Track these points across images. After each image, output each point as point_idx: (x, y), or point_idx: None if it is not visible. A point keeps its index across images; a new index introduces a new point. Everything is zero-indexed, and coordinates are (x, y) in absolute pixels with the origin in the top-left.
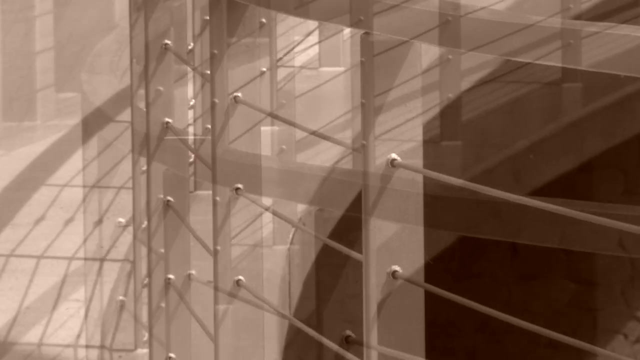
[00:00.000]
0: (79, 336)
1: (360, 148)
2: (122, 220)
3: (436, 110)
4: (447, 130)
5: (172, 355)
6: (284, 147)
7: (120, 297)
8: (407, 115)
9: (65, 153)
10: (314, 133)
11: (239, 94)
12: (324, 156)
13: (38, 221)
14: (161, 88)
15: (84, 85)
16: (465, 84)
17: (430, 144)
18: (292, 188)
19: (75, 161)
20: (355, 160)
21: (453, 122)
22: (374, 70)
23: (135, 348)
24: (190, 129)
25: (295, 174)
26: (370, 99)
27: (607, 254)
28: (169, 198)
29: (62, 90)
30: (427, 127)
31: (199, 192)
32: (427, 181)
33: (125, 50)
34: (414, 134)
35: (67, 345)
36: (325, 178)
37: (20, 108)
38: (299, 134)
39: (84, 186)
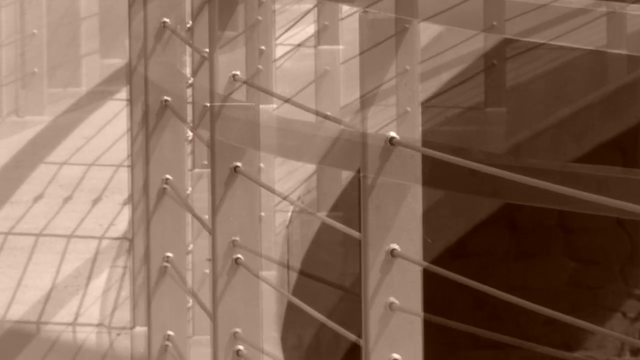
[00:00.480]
0: (78, 315)
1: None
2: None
3: (480, 77)
4: (491, 96)
5: (170, 332)
6: (329, 113)
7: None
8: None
9: (65, 129)
10: (324, 115)
11: (238, 72)
12: (371, 121)
13: (37, 199)
14: (160, 65)
15: (129, 52)
16: (510, 50)
17: (475, 110)
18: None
19: (74, 138)
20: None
21: (497, 88)
22: (417, 35)
23: (134, 326)
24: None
25: (299, 135)
26: (414, 65)
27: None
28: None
29: (106, 57)
30: (471, 94)
31: (197, 170)
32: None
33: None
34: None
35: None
36: (335, 139)
37: (65, 74)
38: (343, 101)
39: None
